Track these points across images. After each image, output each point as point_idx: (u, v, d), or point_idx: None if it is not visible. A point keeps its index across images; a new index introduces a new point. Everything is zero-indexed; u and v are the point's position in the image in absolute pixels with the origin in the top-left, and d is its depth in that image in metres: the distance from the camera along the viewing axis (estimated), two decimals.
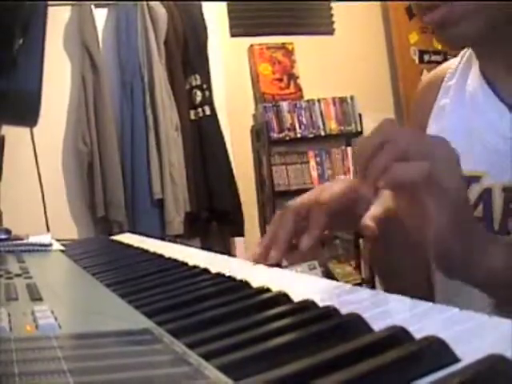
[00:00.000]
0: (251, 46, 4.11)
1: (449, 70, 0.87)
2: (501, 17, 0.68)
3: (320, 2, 4.33)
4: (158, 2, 3.57)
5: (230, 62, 4.01)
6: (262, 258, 0.73)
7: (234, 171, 3.72)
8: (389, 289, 0.88)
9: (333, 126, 4.09)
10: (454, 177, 0.57)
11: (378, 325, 0.38)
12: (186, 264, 0.73)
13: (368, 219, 0.69)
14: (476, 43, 0.75)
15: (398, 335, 0.36)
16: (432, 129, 0.86)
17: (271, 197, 3.92)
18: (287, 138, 3.99)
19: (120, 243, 1.16)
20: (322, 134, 4.07)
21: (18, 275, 0.71)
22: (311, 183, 4.02)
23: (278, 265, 0.72)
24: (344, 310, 0.42)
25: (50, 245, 1.08)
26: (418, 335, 0.35)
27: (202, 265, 0.69)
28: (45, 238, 1.12)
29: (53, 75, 3.23)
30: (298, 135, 4.01)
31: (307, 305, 0.45)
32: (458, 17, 0.67)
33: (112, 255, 1.00)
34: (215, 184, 3.62)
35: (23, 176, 2.69)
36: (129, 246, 1.06)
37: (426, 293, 0.84)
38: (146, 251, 0.93)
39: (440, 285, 0.84)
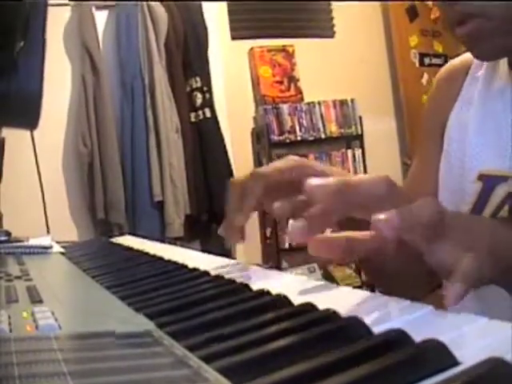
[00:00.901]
0: (252, 48, 4.11)
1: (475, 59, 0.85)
2: None
3: (320, 5, 4.33)
4: (158, 4, 3.57)
5: (231, 64, 4.01)
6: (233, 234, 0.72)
7: (235, 174, 3.72)
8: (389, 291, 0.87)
9: (333, 129, 4.10)
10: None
11: (377, 328, 0.38)
12: (186, 266, 0.73)
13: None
14: (507, 55, 0.75)
15: (397, 338, 0.36)
16: (456, 119, 0.84)
17: None
18: (287, 141, 3.99)
19: (120, 245, 1.16)
20: (323, 136, 4.07)
21: (18, 277, 0.71)
22: None
23: (278, 267, 0.71)
24: (344, 313, 0.42)
25: (50, 247, 1.08)
26: (417, 338, 0.35)
27: (202, 267, 0.69)
28: (45, 240, 1.11)
29: (53, 76, 3.22)
30: (299, 138, 4.02)
31: (307, 308, 0.45)
32: (488, 32, 0.67)
33: (112, 257, 1.00)
34: (215, 186, 3.62)
35: (23, 178, 2.70)
36: (129, 249, 1.06)
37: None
38: (146, 253, 0.93)
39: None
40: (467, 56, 0.87)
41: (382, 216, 0.44)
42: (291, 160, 0.72)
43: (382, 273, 0.83)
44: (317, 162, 0.77)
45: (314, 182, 0.47)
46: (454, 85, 0.86)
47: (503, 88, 0.78)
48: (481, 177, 0.77)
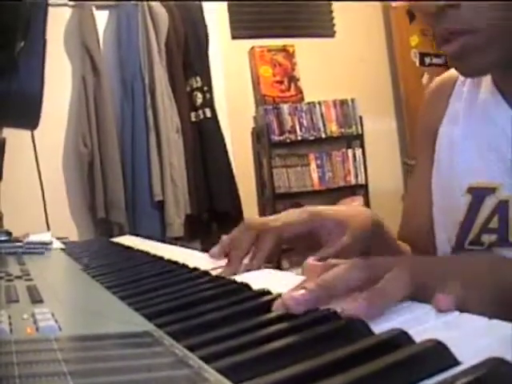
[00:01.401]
0: (252, 48, 4.11)
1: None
2: None
3: (321, 5, 4.33)
4: (158, 4, 3.57)
5: (231, 64, 4.01)
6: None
7: (235, 173, 3.72)
8: None
9: (333, 129, 4.10)
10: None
11: (378, 328, 0.38)
12: (187, 266, 0.73)
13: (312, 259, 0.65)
14: (493, 71, 0.75)
15: (398, 338, 0.36)
16: (445, 134, 0.85)
17: (272, 199, 3.92)
18: (288, 141, 3.99)
19: (120, 245, 1.16)
20: (323, 136, 4.07)
21: (18, 277, 0.71)
22: (312, 186, 4.02)
23: (278, 267, 0.72)
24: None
25: (51, 243, 1.08)
26: (418, 338, 0.35)
27: (203, 267, 0.69)
28: (45, 236, 1.11)
29: (53, 76, 3.22)
30: (299, 137, 4.02)
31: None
32: (473, 49, 0.67)
33: (112, 257, 1.00)
34: (216, 186, 3.62)
35: (24, 177, 2.69)
36: (129, 248, 1.06)
37: None
38: (147, 253, 0.93)
39: None
40: (451, 72, 0.88)
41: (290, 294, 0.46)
42: (305, 213, 0.79)
43: None
44: (329, 209, 0.82)
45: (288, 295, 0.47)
46: (441, 100, 0.88)
47: (486, 102, 0.79)
48: (470, 189, 0.78)
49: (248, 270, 0.72)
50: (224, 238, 0.79)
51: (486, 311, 0.43)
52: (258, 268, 0.74)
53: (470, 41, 0.67)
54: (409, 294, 0.46)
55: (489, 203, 0.75)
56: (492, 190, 0.75)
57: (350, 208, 0.94)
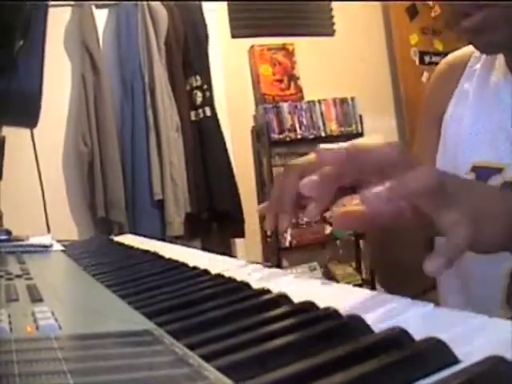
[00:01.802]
0: (252, 46, 4.11)
1: (474, 53, 0.86)
2: None
3: (321, 4, 4.33)
4: (158, 3, 3.57)
5: (231, 62, 4.01)
6: (272, 226, 0.71)
7: (235, 172, 3.72)
8: (389, 289, 0.88)
9: (333, 127, 4.10)
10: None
11: (378, 326, 0.38)
12: (187, 265, 0.73)
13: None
14: (507, 52, 0.75)
15: (398, 336, 0.36)
16: (453, 112, 0.84)
17: None
18: (288, 139, 3.99)
19: (120, 244, 1.16)
20: (323, 135, 4.07)
21: (18, 276, 0.71)
22: None
23: (279, 266, 0.71)
24: (344, 312, 0.42)
25: (51, 246, 1.08)
26: (417, 336, 0.35)
27: (203, 266, 0.69)
28: (45, 239, 1.12)
29: (53, 75, 3.21)
30: (299, 136, 4.01)
31: (307, 306, 0.45)
32: (494, 22, 0.67)
33: (112, 256, 1.00)
34: (216, 185, 3.62)
35: (24, 176, 2.69)
36: (129, 247, 1.06)
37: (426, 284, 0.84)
38: (147, 252, 0.93)
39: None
40: (466, 50, 0.88)
41: (369, 191, 0.44)
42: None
43: (384, 259, 0.83)
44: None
45: (324, 146, 0.49)
46: (452, 78, 0.87)
47: (499, 83, 0.79)
48: (474, 168, 0.78)
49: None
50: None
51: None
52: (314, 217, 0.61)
53: (492, 13, 0.66)
54: (432, 190, 0.45)
55: (493, 183, 0.75)
56: (498, 171, 0.75)
57: None
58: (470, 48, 0.87)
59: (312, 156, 0.67)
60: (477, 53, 0.85)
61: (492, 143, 0.76)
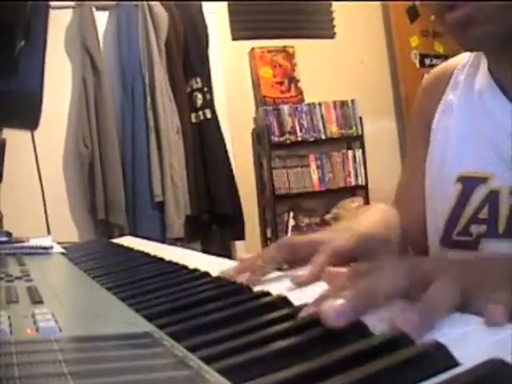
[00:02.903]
0: (252, 49, 4.11)
1: (458, 65, 0.86)
2: None
3: (321, 6, 4.33)
4: (158, 4, 3.57)
5: (231, 65, 4.01)
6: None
7: (235, 174, 3.72)
8: None
9: (333, 130, 4.10)
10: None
11: (378, 329, 0.38)
12: (187, 267, 0.73)
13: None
14: (494, 46, 0.74)
15: (397, 339, 0.36)
16: (438, 124, 0.85)
17: (272, 200, 3.92)
18: (288, 142, 3.99)
19: (120, 246, 1.16)
20: (323, 137, 4.07)
21: (18, 278, 0.71)
22: (312, 187, 4.02)
23: (279, 268, 0.71)
24: None
25: (51, 247, 1.08)
26: (418, 339, 0.35)
27: (203, 268, 0.69)
28: (46, 241, 1.12)
29: (54, 77, 3.23)
30: (299, 138, 4.01)
31: None
32: (481, 17, 0.65)
33: (113, 258, 1.00)
34: (216, 187, 3.62)
35: (24, 178, 2.70)
36: (129, 249, 1.06)
37: None
38: (147, 254, 0.93)
39: None
40: (451, 61, 0.89)
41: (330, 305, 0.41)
42: (353, 238, 0.74)
43: None
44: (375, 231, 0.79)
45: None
46: (437, 89, 0.88)
47: (482, 91, 0.79)
48: (460, 179, 0.78)
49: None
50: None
51: None
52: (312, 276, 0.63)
53: (479, 7, 0.65)
54: (457, 305, 0.42)
55: (479, 193, 0.75)
56: (483, 180, 0.75)
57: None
58: (454, 60, 0.88)
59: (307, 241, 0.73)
60: (460, 65, 0.86)
61: (477, 153, 0.77)
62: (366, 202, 4.06)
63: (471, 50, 0.80)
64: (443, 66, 0.90)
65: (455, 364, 0.32)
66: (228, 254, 3.67)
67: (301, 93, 4.13)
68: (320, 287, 0.55)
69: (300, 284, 0.60)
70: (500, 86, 0.76)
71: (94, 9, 3.52)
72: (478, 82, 0.80)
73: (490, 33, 0.67)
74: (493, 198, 0.74)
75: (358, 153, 4.15)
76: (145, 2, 3.56)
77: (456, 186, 0.78)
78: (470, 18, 0.66)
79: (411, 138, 0.96)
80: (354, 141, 4.18)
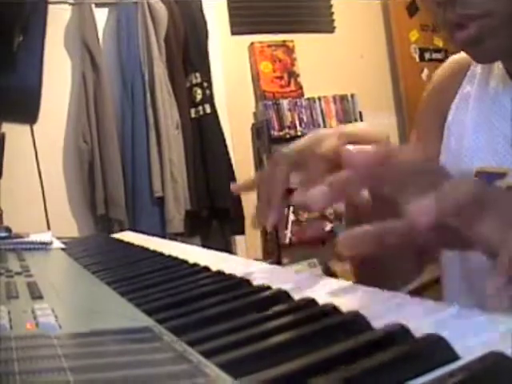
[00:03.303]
0: (252, 43, 4.10)
1: None
2: None
3: (320, 0, 4.33)
4: (158, 0, 3.56)
5: (231, 59, 4.00)
6: (262, 222, 0.68)
7: (235, 169, 3.72)
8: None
9: (333, 124, 4.09)
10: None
11: (378, 322, 0.38)
12: (187, 262, 0.73)
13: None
14: (508, 54, 0.75)
15: (397, 333, 0.36)
16: (454, 116, 0.84)
17: None
18: (288, 136, 3.99)
19: (120, 241, 1.16)
20: None
21: (18, 273, 0.71)
22: None
23: (279, 262, 0.71)
24: (344, 308, 0.42)
25: (51, 243, 1.08)
26: (417, 333, 0.35)
27: (203, 263, 0.69)
28: (45, 236, 1.12)
29: (53, 74, 3.23)
30: (299, 133, 4.01)
31: (307, 303, 0.45)
32: (490, 33, 0.66)
33: (112, 253, 1.00)
34: (216, 182, 3.62)
35: (24, 174, 2.70)
36: (129, 244, 1.06)
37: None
38: (147, 249, 0.93)
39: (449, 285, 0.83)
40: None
41: (417, 204, 0.42)
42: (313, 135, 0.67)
43: (369, 271, 0.81)
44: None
45: (353, 149, 0.45)
46: (454, 80, 0.87)
47: (498, 90, 0.79)
48: (478, 174, 0.78)
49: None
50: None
51: None
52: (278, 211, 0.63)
53: (485, 24, 0.66)
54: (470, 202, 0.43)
55: None
56: (501, 176, 0.75)
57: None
58: None
59: (304, 142, 0.66)
60: None
61: (492, 149, 0.77)
62: None
63: (487, 63, 0.80)
64: (457, 58, 0.89)
65: (455, 357, 0.32)
66: (228, 248, 3.68)
67: (300, 87, 4.12)
68: (323, 280, 0.55)
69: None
70: None
71: (93, 5, 3.52)
72: (493, 79, 0.80)
73: (501, 45, 0.68)
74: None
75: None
76: None
77: None
78: (478, 35, 0.66)
79: (421, 133, 0.94)
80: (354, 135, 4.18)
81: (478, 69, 0.84)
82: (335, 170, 0.55)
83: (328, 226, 3.93)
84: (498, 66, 0.80)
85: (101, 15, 3.58)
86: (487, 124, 0.78)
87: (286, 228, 3.95)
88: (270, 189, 0.66)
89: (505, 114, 0.76)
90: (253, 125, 4.11)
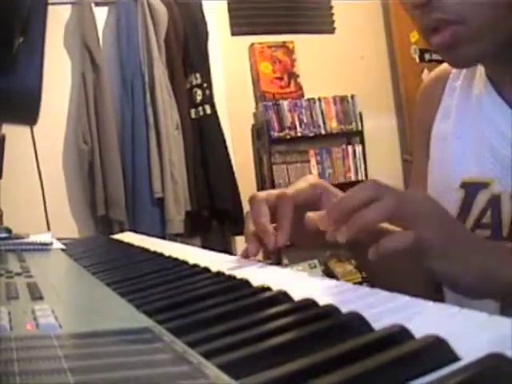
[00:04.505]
0: (252, 44, 4.10)
1: (453, 69, 0.86)
2: (506, 36, 0.67)
3: (321, 1, 4.33)
4: (158, 0, 3.56)
5: (231, 60, 4.00)
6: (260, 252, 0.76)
7: (235, 170, 3.72)
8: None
9: (333, 125, 4.10)
10: (440, 232, 0.59)
11: (378, 324, 0.38)
12: (187, 263, 0.73)
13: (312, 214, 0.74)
14: (482, 61, 0.75)
15: (398, 334, 0.36)
16: (437, 129, 0.85)
17: None
18: (288, 137, 3.99)
19: (120, 242, 1.16)
20: (323, 132, 4.07)
21: (18, 274, 0.71)
22: None
23: (279, 263, 0.72)
24: (344, 309, 0.42)
25: (51, 244, 1.08)
26: (418, 334, 0.35)
27: (203, 264, 0.69)
28: (45, 237, 1.11)
29: (53, 74, 3.22)
30: (299, 134, 4.01)
31: (307, 304, 0.45)
32: (464, 38, 0.67)
33: (112, 254, 1.00)
34: (216, 183, 3.62)
35: (24, 175, 2.69)
36: (129, 245, 1.06)
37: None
38: (147, 250, 0.93)
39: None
40: (445, 67, 0.88)
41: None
42: (309, 181, 0.79)
43: (379, 268, 0.82)
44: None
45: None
46: (434, 95, 0.87)
47: (480, 96, 0.79)
48: (463, 184, 0.78)
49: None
50: (247, 231, 0.77)
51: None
52: (286, 241, 0.74)
53: (460, 30, 0.66)
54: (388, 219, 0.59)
55: (482, 198, 0.76)
56: (485, 185, 0.75)
57: None
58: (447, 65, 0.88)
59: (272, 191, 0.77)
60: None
61: (477, 158, 0.77)
62: None
63: (461, 68, 0.81)
64: (439, 69, 0.90)
65: (455, 359, 0.32)
66: (228, 249, 3.67)
67: (300, 88, 4.12)
68: (323, 281, 0.55)
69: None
70: (498, 91, 0.76)
71: (93, 5, 3.52)
72: (475, 86, 0.80)
73: (478, 50, 0.68)
74: (495, 202, 0.74)
75: (358, 148, 4.15)
76: None
77: (459, 192, 0.78)
78: (454, 38, 0.67)
79: (414, 147, 0.96)
80: (353, 136, 4.18)
81: (458, 81, 0.84)
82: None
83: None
84: (481, 73, 0.80)
85: (100, 14, 3.58)
86: (471, 133, 0.79)
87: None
88: (260, 224, 0.75)
89: (488, 121, 0.76)
90: (253, 125, 4.12)
